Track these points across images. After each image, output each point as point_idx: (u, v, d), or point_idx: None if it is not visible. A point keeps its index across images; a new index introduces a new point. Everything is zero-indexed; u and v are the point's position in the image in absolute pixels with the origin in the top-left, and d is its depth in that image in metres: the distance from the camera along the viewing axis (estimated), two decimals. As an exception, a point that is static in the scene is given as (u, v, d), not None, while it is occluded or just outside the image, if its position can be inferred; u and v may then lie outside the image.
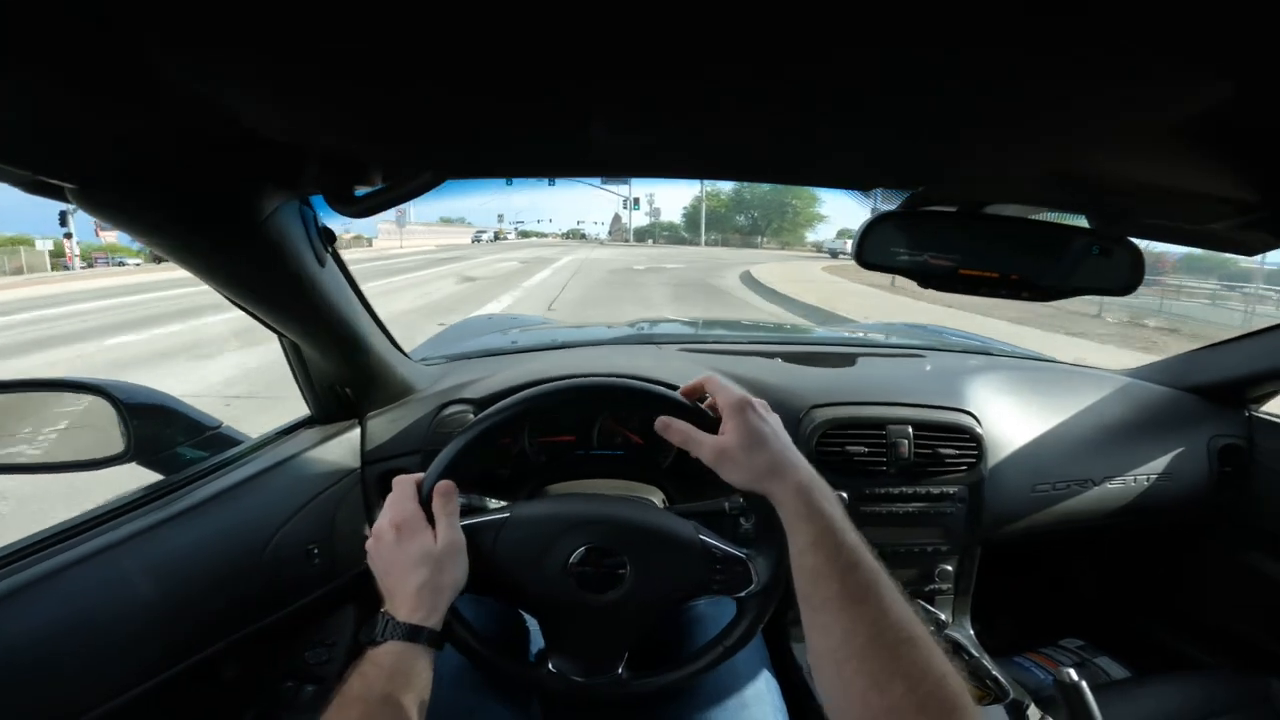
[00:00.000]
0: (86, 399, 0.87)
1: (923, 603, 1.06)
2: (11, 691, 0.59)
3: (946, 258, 0.70)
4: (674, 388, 0.72)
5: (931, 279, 0.70)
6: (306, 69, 0.37)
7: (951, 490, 1.10)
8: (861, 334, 1.88)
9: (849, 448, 1.07)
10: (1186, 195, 0.58)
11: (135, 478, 0.86)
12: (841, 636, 0.52)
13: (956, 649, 1.03)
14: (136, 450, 0.86)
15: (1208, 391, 1.32)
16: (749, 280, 15.99)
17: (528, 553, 0.69)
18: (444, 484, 0.68)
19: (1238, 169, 0.49)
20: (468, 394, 1.06)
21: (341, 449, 0.99)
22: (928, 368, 1.32)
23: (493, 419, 0.71)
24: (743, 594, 0.70)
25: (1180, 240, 0.74)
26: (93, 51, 0.33)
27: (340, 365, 0.95)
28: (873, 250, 0.71)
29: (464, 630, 0.69)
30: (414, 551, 0.64)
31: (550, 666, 0.71)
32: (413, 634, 0.60)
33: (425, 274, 17.41)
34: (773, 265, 22.85)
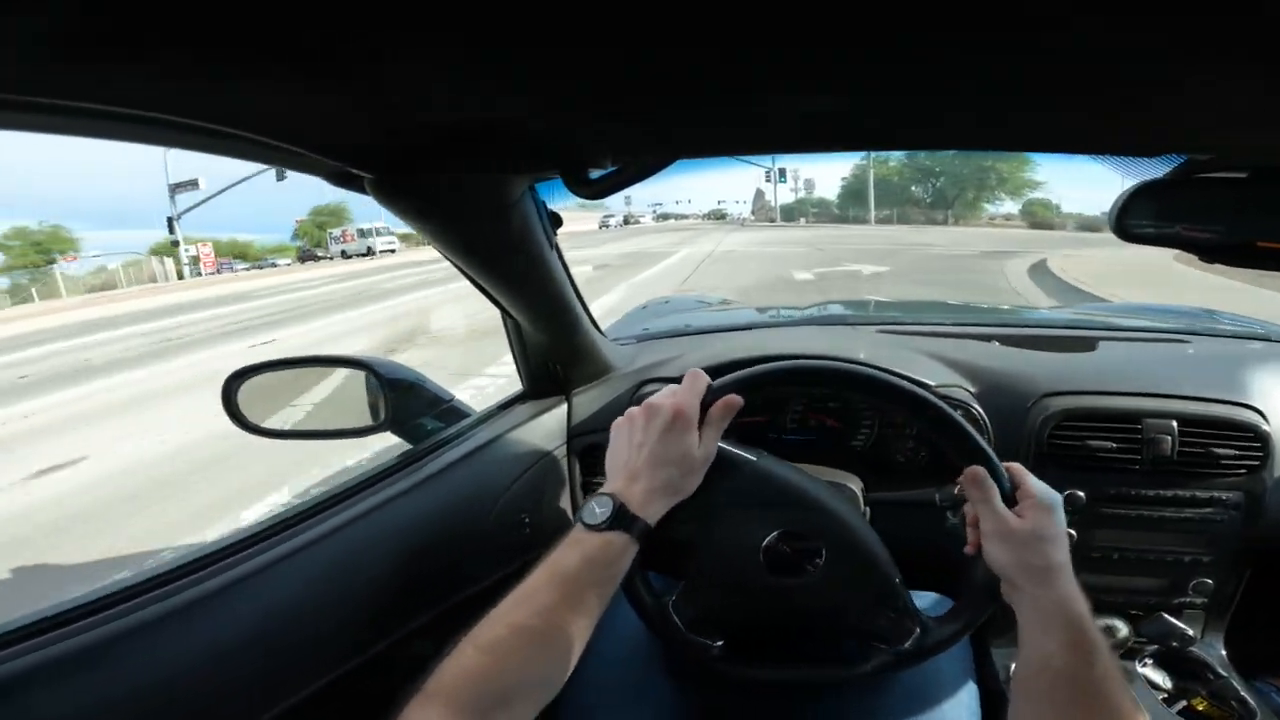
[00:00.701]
0: (356, 374, 1.02)
1: (1167, 615, 0.93)
2: (292, 628, 0.67)
3: (1237, 229, 0.61)
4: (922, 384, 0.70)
5: (1218, 251, 0.61)
6: (535, 52, 0.38)
7: (1224, 496, 0.95)
8: (1100, 315, 1.65)
9: (1092, 442, 0.96)
10: None
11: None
12: None
13: (1202, 668, 0.93)
14: (393, 421, 1.00)
15: None
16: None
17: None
18: (735, 398, 0.67)
19: None
20: (664, 372, 1.10)
21: (551, 423, 1.07)
22: (1191, 352, 1.14)
23: (808, 367, 0.72)
24: (899, 649, 0.67)
25: None
26: (341, 54, 0.38)
27: (555, 342, 1.02)
28: (1139, 223, 0.63)
29: (648, 592, 0.70)
30: (678, 446, 0.63)
31: (722, 645, 0.70)
32: (642, 533, 0.60)
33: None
34: (1064, 258, 12.14)
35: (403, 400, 1.02)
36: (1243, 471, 0.94)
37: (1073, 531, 0.69)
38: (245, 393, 0.98)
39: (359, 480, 0.85)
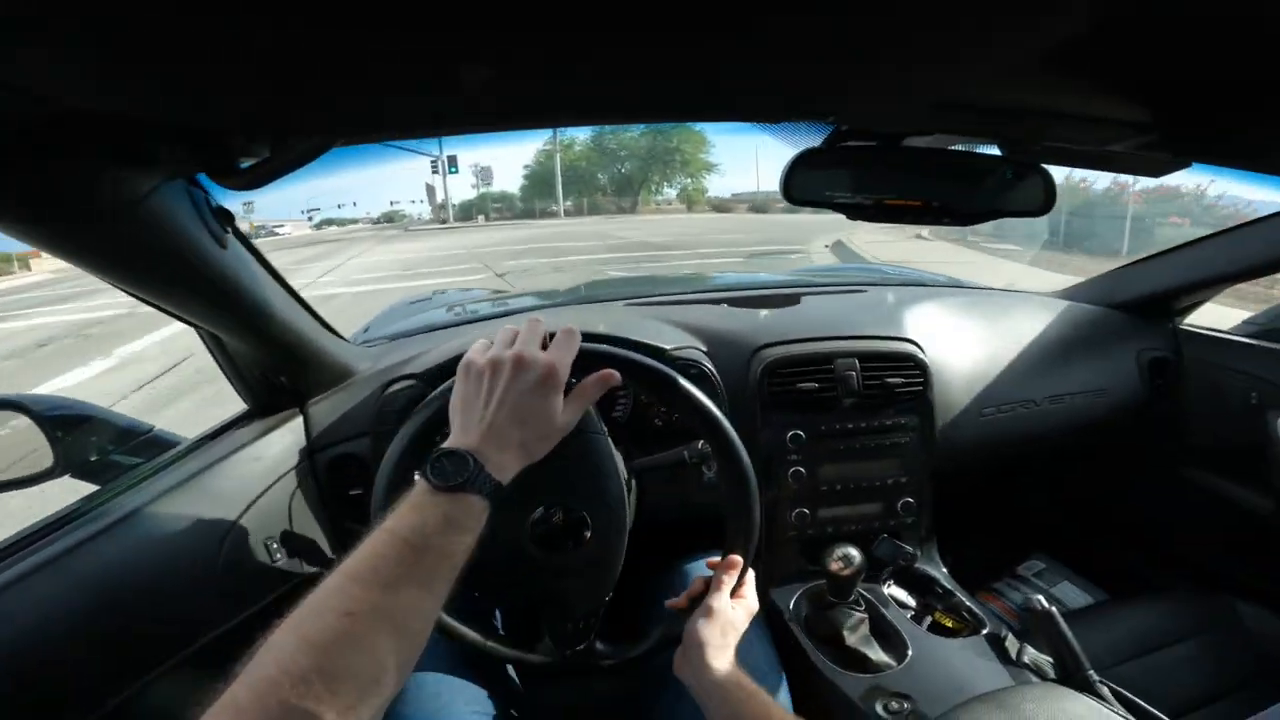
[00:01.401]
0: (2, 416, 0.83)
1: (889, 537, 1.10)
2: None
3: (871, 190, 0.72)
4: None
5: (859, 211, 0.72)
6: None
7: (903, 420, 1.14)
8: (806, 275, 1.92)
9: (799, 384, 1.10)
10: (1083, 118, 0.60)
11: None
12: None
13: (930, 582, 1.10)
14: (67, 463, 0.83)
15: (1134, 307, 1.39)
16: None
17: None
18: (614, 375, 0.64)
19: (1121, 91, 0.51)
20: (412, 368, 1.04)
21: (286, 439, 0.97)
22: (867, 299, 1.36)
23: (653, 366, 0.72)
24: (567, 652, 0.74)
25: (1088, 164, 0.78)
26: None
27: (266, 352, 0.91)
28: (800, 187, 0.72)
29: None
30: (543, 407, 0.59)
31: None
32: (496, 494, 0.54)
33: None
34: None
35: (79, 438, 0.86)
36: (912, 397, 1.15)
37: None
38: None
39: (29, 531, 0.71)
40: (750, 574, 0.76)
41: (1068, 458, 1.57)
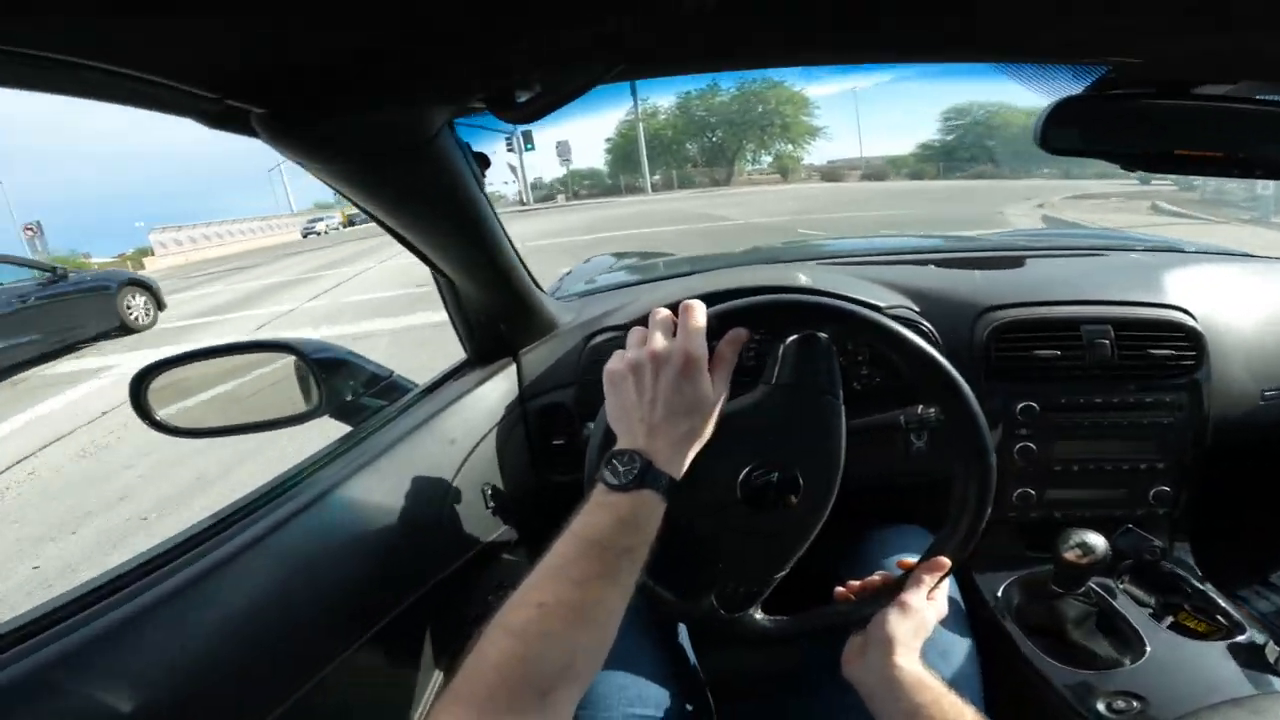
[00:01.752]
0: (279, 358, 0.96)
1: (1134, 527, 0.98)
2: (245, 645, 0.61)
3: (1155, 141, 0.64)
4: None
5: (1141, 161, 0.64)
6: None
7: (1167, 398, 1.00)
8: (1023, 238, 1.72)
9: (1037, 351, 1.00)
10: None
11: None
12: None
13: (1177, 580, 0.98)
14: (329, 403, 0.95)
15: None
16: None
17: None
18: (741, 331, 0.64)
19: None
20: (614, 320, 1.07)
21: (502, 387, 1.03)
22: (1113, 262, 1.21)
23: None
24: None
25: None
26: None
27: (497, 299, 0.97)
28: (1062, 136, 0.65)
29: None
30: (694, 393, 0.59)
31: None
32: (672, 489, 0.57)
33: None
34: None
35: (337, 381, 0.97)
36: (1181, 371, 1.00)
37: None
38: (157, 390, 0.91)
39: (295, 471, 0.80)
40: (948, 581, 0.72)
41: None
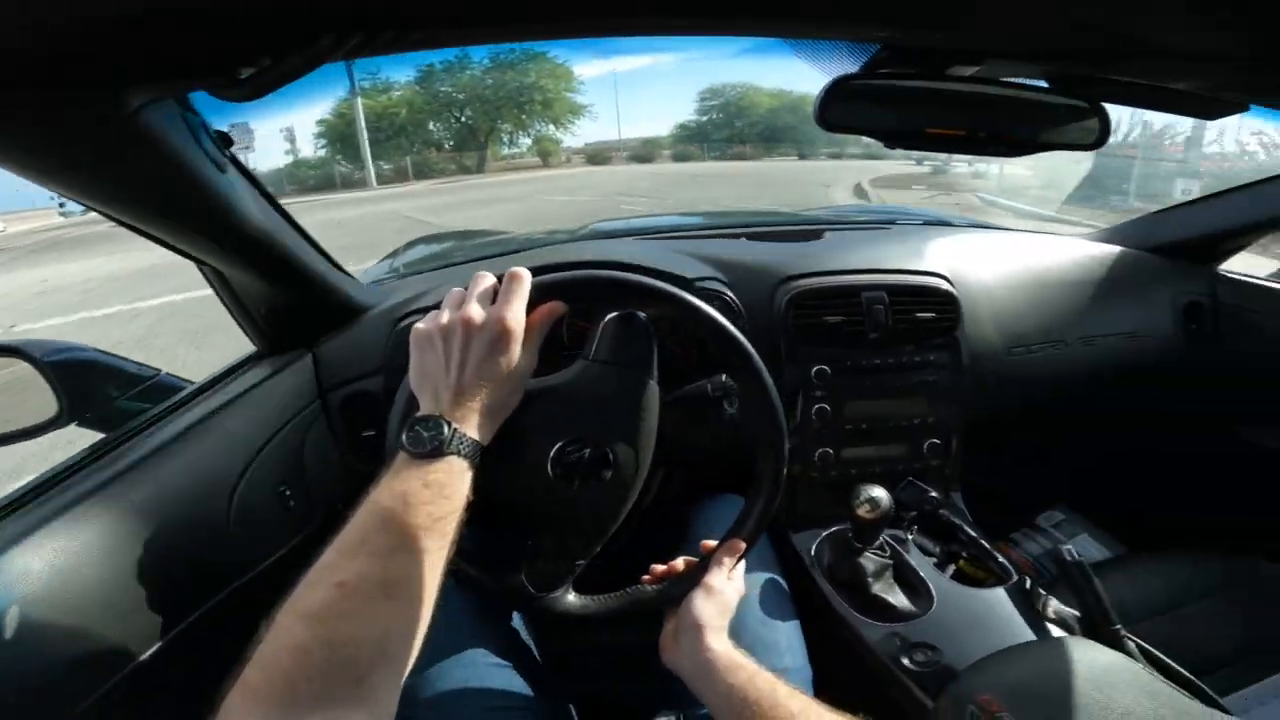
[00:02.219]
0: (3, 363, 0.81)
1: (914, 480, 1.09)
2: None
3: (914, 118, 0.68)
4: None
5: (899, 137, 0.69)
6: None
7: (932, 357, 1.12)
8: (826, 212, 1.88)
9: (826, 318, 1.08)
10: (1159, 48, 0.55)
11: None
12: None
13: (954, 529, 1.07)
14: (72, 410, 0.82)
15: (1172, 250, 1.35)
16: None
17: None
18: (559, 305, 0.63)
19: (1217, 17, 0.46)
20: (425, 302, 1.02)
21: (296, 379, 0.95)
22: (894, 234, 1.33)
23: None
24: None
25: (1145, 102, 0.73)
26: None
27: (273, 287, 0.88)
28: (835, 111, 0.68)
29: None
30: (505, 363, 0.58)
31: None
32: (479, 456, 0.55)
33: None
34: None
35: (82, 385, 0.84)
36: (941, 333, 1.12)
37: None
38: None
39: (34, 484, 0.69)
40: (743, 563, 0.75)
41: (1097, 403, 1.55)
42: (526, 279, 0.60)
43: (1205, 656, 0.93)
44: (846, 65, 0.70)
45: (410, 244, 1.77)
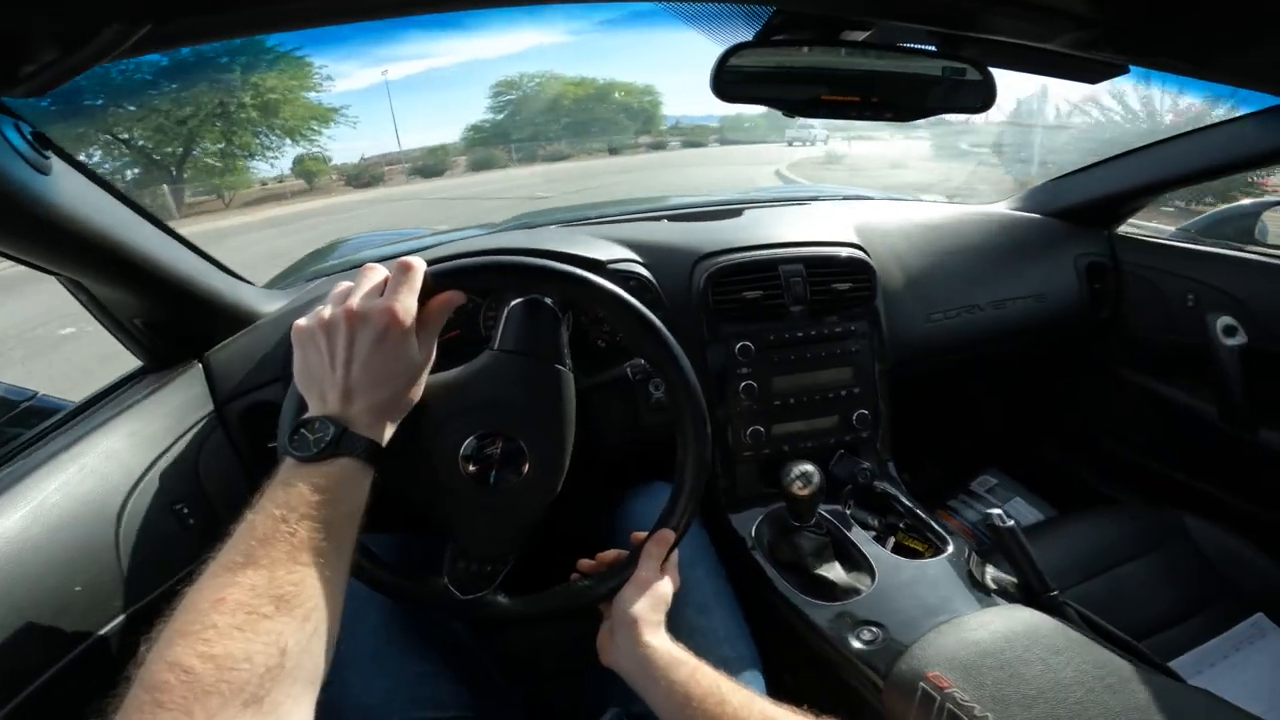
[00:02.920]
0: None
1: (846, 454, 1.10)
2: None
3: (808, 86, 0.69)
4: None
5: (796, 106, 0.70)
6: None
7: (853, 326, 1.13)
8: (750, 194, 1.91)
9: (745, 294, 1.08)
10: (1022, 5, 0.57)
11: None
12: None
13: (889, 501, 1.09)
14: (-69, 439, 0.75)
15: (1072, 214, 1.43)
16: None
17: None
18: (457, 294, 0.60)
19: None
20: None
21: (187, 392, 0.89)
22: (812, 210, 1.35)
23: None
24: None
25: (1028, 66, 0.76)
26: None
27: (141, 296, 0.83)
28: (732, 84, 0.69)
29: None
30: (398, 358, 0.55)
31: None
32: (372, 453, 0.53)
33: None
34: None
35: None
36: (860, 302, 1.14)
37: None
38: None
39: None
40: (677, 553, 0.73)
41: (1013, 365, 1.61)
42: (418, 269, 0.57)
43: (1143, 618, 0.98)
44: (740, 34, 0.71)
45: (319, 250, 1.71)
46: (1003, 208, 1.51)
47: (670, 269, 1.09)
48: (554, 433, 0.67)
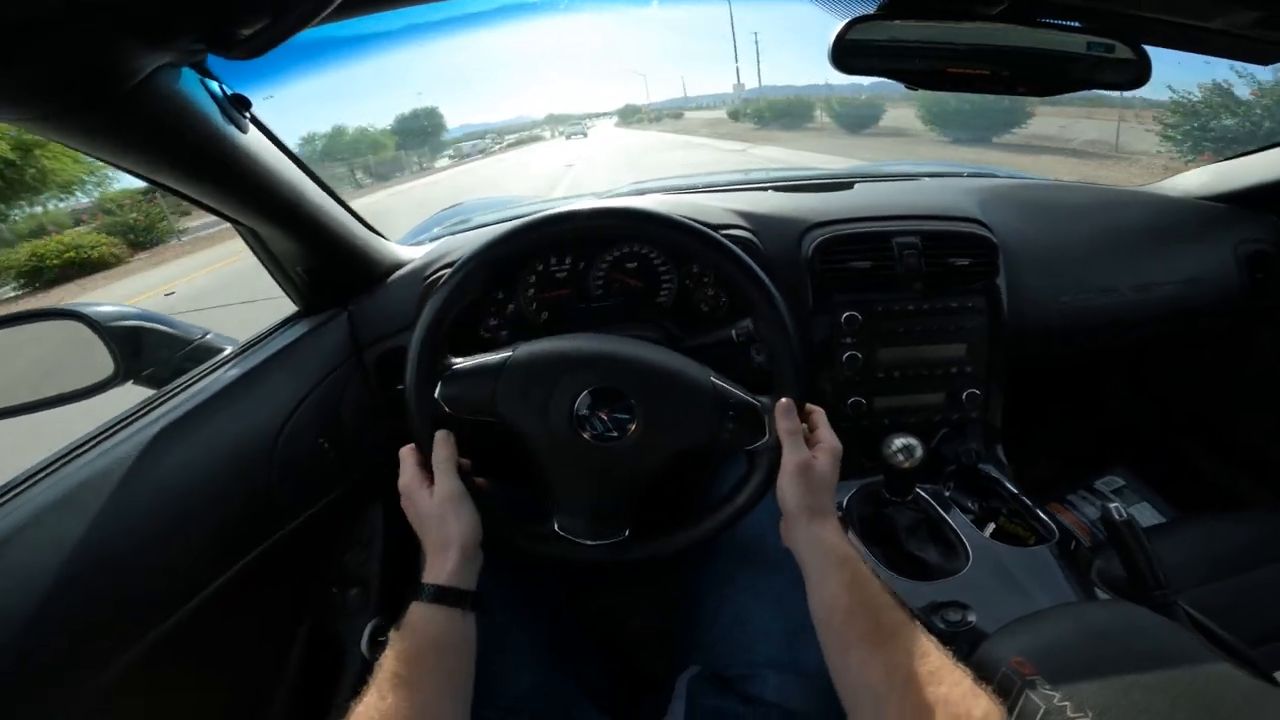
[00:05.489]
0: (64, 327, 0.89)
1: (954, 432, 1.10)
2: (20, 639, 0.59)
3: (935, 57, 0.68)
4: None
5: (918, 78, 0.69)
6: None
7: (969, 303, 1.11)
8: (860, 167, 1.86)
9: (854, 263, 1.08)
10: None
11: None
12: (883, 672, 0.54)
13: (994, 484, 1.07)
14: (127, 370, 0.90)
15: (1234, 199, 1.32)
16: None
17: (531, 398, 0.68)
18: (440, 434, 0.69)
19: None
20: (450, 258, 1.06)
21: (333, 337, 1.01)
22: (930, 185, 1.32)
23: (470, 262, 0.71)
24: (756, 446, 0.69)
25: (1185, 44, 0.71)
26: None
27: (307, 246, 0.94)
28: (852, 54, 0.69)
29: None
30: (416, 514, 0.68)
31: (556, 527, 0.71)
32: (438, 595, 0.62)
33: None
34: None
35: (136, 346, 0.92)
36: (979, 277, 1.11)
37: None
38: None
39: (78, 443, 0.75)
40: (821, 413, 0.71)
41: (1154, 354, 1.51)
42: (406, 450, 0.71)
43: (1261, 627, 0.90)
44: (860, 5, 0.70)
45: (446, 210, 1.83)
46: (1152, 190, 1.42)
47: (778, 236, 1.10)
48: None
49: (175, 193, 0.74)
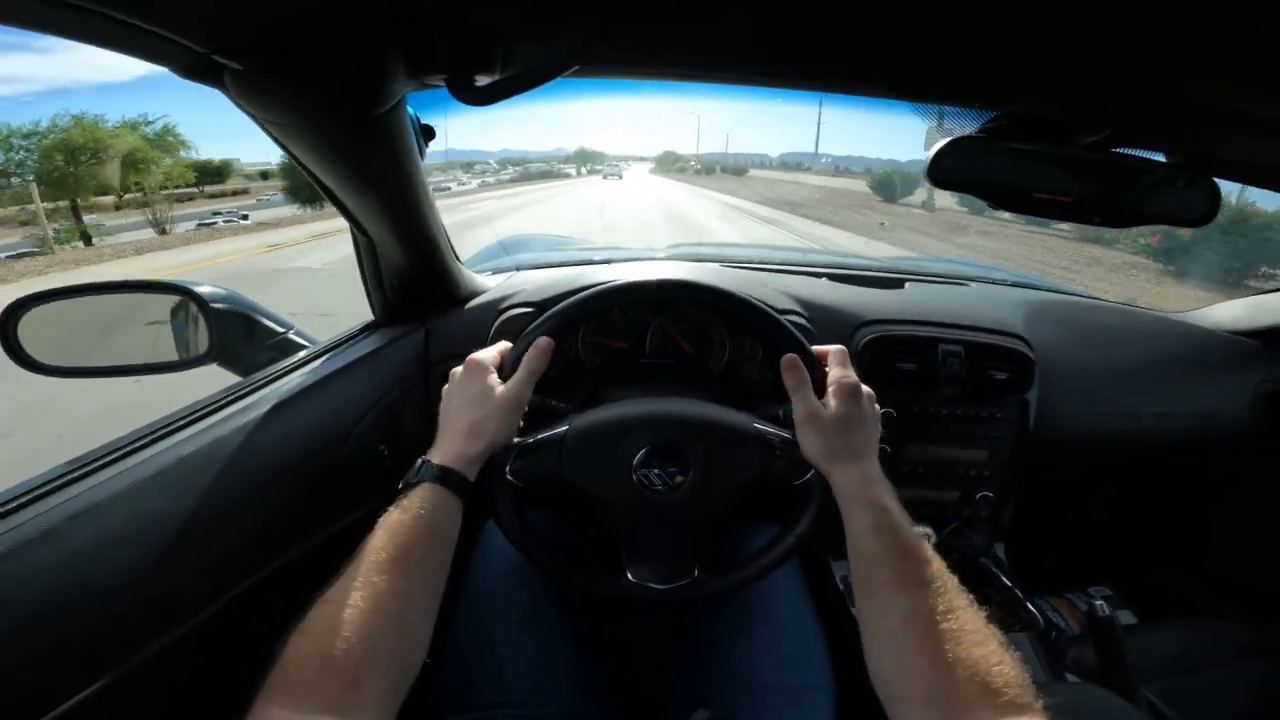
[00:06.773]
0: (177, 301, 0.96)
1: (959, 525, 1.15)
2: (79, 614, 0.61)
3: (1023, 182, 0.75)
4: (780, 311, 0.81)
5: (1004, 200, 0.75)
6: None
7: (999, 413, 1.18)
8: (906, 262, 1.93)
9: (900, 365, 1.15)
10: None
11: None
12: (901, 619, 0.55)
13: (989, 576, 1.14)
14: (220, 352, 0.96)
15: (1262, 335, 1.38)
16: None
17: (594, 462, 0.75)
18: (542, 340, 0.75)
19: None
20: (527, 296, 1.13)
21: (407, 350, 1.07)
22: (975, 293, 1.39)
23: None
24: (805, 478, 0.76)
25: (1258, 181, 0.77)
26: None
27: (415, 265, 1.01)
28: (948, 170, 0.75)
29: (538, 544, 0.77)
30: (475, 388, 0.70)
31: (630, 576, 0.76)
32: (443, 477, 0.64)
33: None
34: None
35: (231, 330, 0.98)
36: (1014, 390, 1.18)
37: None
38: (30, 325, 0.88)
39: (170, 420, 0.80)
40: (837, 351, 0.77)
41: (1160, 478, 1.56)
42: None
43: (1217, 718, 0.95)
44: (965, 123, 0.78)
45: (502, 242, 1.90)
46: (1183, 318, 1.48)
47: (831, 326, 1.16)
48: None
49: (334, 199, 0.83)
